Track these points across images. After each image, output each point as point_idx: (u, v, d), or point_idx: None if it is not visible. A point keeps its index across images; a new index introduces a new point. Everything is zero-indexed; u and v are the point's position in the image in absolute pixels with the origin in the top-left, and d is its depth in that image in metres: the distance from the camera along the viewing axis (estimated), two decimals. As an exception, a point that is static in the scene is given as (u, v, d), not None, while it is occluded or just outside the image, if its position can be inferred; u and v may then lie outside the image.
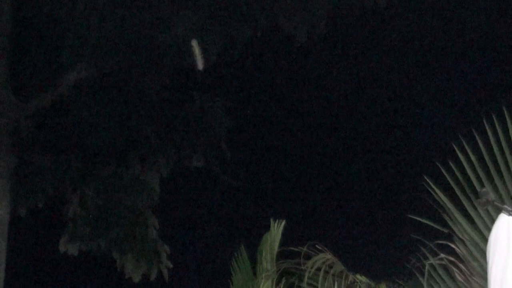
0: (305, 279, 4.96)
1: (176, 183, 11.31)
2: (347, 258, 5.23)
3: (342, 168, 11.94)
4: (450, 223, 5.01)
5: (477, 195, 4.82)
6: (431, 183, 5.04)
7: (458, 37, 10.89)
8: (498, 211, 4.71)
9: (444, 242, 4.94)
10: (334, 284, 4.97)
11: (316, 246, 5.04)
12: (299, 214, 11.11)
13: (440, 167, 5.00)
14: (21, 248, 11.02)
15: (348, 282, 5.02)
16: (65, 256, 10.84)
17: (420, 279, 4.97)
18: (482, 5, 10.42)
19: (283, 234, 5.31)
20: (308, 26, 9.73)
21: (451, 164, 4.97)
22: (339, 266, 5.05)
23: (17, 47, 9.96)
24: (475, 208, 4.96)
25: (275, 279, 5.13)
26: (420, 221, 5.01)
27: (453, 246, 4.96)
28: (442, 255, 4.93)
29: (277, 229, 5.30)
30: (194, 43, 4.53)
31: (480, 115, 5.02)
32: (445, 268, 4.98)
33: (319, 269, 4.97)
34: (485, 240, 4.92)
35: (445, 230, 4.98)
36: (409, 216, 5.14)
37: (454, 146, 5.02)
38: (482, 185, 4.92)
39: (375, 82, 11.55)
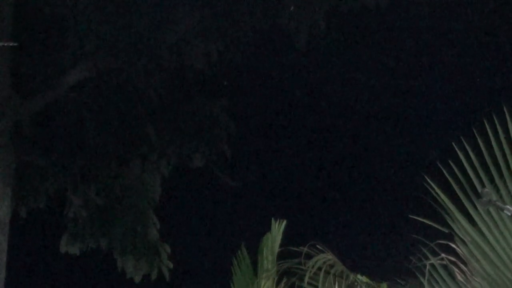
0: (306, 279, 4.96)
1: (177, 183, 11.31)
2: (348, 258, 5.23)
3: (343, 168, 11.94)
4: (451, 223, 5.01)
5: (478, 195, 4.82)
6: (431, 183, 5.04)
7: (458, 37, 10.89)
8: (500, 211, 4.72)
9: (444, 242, 4.94)
10: (334, 284, 4.97)
11: (317, 246, 5.03)
12: (300, 214, 11.11)
13: (441, 167, 5.00)
14: (22, 249, 11.03)
15: (349, 282, 5.03)
16: (66, 256, 10.85)
17: (421, 279, 4.96)
18: (483, 5, 10.42)
19: (284, 234, 5.31)
20: (308, 27, 9.73)
21: (451, 164, 4.97)
22: (339, 266, 5.04)
23: (18, 47, 9.96)
24: (476, 208, 4.96)
25: (275, 279, 5.13)
26: (420, 221, 5.01)
27: (453, 246, 4.96)
28: (443, 255, 4.93)
29: (278, 229, 5.30)
30: None
31: (480, 115, 5.02)
32: (446, 268, 4.98)
33: (319, 269, 4.97)
34: (486, 240, 4.93)
35: (446, 230, 4.97)
36: (410, 216, 5.14)
37: (455, 146, 5.01)
38: (483, 185, 4.91)
39: (375, 82, 11.55)
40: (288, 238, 5.31)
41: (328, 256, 5.02)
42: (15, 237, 9.94)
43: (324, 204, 11.95)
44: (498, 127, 4.95)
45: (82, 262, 11.29)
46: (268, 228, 5.35)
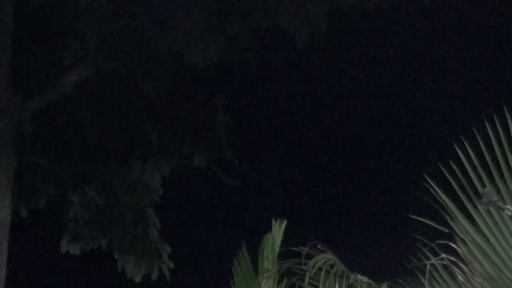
0: (306, 279, 4.97)
1: (177, 183, 11.32)
2: (348, 258, 5.23)
3: (343, 168, 11.94)
4: (451, 223, 5.01)
5: (478, 195, 4.82)
6: (432, 183, 5.04)
7: (459, 37, 10.89)
8: (500, 211, 4.73)
9: (445, 242, 4.94)
10: (335, 284, 4.97)
11: (317, 246, 5.04)
12: (300, 214, 11.12)
13: (441, 167, 5.00)
14: (22, 249, 11.03)
15: (349, 282, 5.03)
16: (66, 257, 10.86)
17: (421, 279, 4.97)
18: (483, 5, 10.43)
19: (284, 234, 5.32)
20: (308, 26, 9.73)
21: (452, 164, 4.97)
22: (340, 266, 5.05)
23: (19, 47, 9.97)
24: (476, 208, 4.97)
25: (276, 279, 5.13)
26: (421, 221, 5.02)
27: (454, 246, 4.97)
28: (443, 255, 4.93)
29: (278, 229, 5.30)
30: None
31: (481, 115, 5.02)
32: (446, 268, 4.99)
33: (320, 269, 4.97)
34: (487, 240, 4.94)
35: (446, 230, 4.98)
36: (410, 216, 5.14)
37: (455, 146, 5.02)
38: (483, 185, 4.92)
39: (375, 82, 11.55)
40: (288, 238, 5.31)
41: (328, 256, 5.02)
42: (16, 237, 9.94)
43: (325, 204, 11.95)
44: (499, 127, 4.95)
45: (83, 262, 11.29)
46: (269, 228, 5.35)
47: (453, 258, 4.94)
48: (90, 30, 9.69)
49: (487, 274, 4.89)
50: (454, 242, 4.98)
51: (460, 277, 4.92)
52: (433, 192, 5.05)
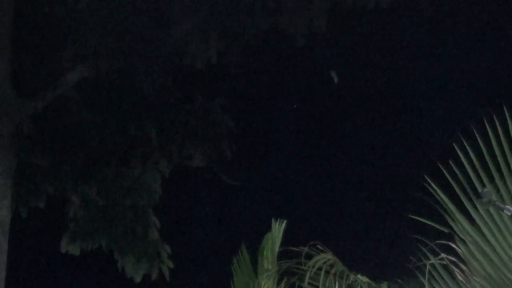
0: (306, 279, 4.98)
1: (177, 183, 11.32)
2: (348, 258, 5.23)
3: (343, 168, 11.94)
4: (451, 223, 5.02)
5: (478, 195, 4.83)
6: (431, 183, 5.05)
7: (459, 37, 10.89)
8: (500, 211, 4.73)
9: (445, 242, 4.95)
10: (335, 284, 4.98)
11: (317, 246, 5.05)
12: (300, 214, 11.11)
13: (441, 167, 5.01)
14: (22, 249, 11.03)
15: (349, 282, 5.04)
16: (66, 256, 10.85)
17: (421, 279, 4.98)
18: (483, 5, 10.43)
19: (284, 234, 5.32)
20: (308, 26, 9.74)
21: (451, 164, 4.98)
22: (340, 266, 5.06)
23: (18, 47, 9.97)
24: (476, 208, 4.97)
25: (276, 279, 5.14)
26: (420, 221, 5.02)
27: (454, 246, 4.97)
28: (443, 255, 4.94)
29: (278, 229, 5.31)
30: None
31: (480, 114, 5.02)
32: (446, 268, 4.99)
33: (320, 269, 4.98)
34: (486, 240, 4.94)
35: (446, 230, 4.98)
36: (410, 216, 5.14)
37: (455, 146, 5.02)
38: (483, 185, 4.92)
39: (375, 81, 11.55)
40: (288, 238, 5.31)
41: (328, 256, 5.03)
42: (16, 237, 9.94)
43: (324, 204, 11.95)
44: (498, 127, 4.96)
45: (82, 262, 11.29)
46: (269, 228, 5.36)
47: (452, 258, 4.95)
48: (90, 30, 9.69)
49: (487, 274, 4.90)
50: (454, 242, 4.99)
51: (459, 277, 4.93)
52: (433, 192, 5.05)
